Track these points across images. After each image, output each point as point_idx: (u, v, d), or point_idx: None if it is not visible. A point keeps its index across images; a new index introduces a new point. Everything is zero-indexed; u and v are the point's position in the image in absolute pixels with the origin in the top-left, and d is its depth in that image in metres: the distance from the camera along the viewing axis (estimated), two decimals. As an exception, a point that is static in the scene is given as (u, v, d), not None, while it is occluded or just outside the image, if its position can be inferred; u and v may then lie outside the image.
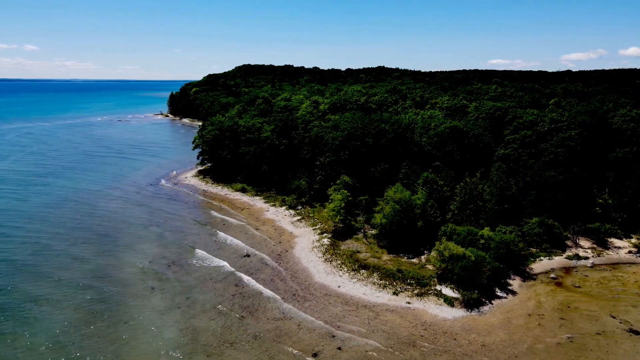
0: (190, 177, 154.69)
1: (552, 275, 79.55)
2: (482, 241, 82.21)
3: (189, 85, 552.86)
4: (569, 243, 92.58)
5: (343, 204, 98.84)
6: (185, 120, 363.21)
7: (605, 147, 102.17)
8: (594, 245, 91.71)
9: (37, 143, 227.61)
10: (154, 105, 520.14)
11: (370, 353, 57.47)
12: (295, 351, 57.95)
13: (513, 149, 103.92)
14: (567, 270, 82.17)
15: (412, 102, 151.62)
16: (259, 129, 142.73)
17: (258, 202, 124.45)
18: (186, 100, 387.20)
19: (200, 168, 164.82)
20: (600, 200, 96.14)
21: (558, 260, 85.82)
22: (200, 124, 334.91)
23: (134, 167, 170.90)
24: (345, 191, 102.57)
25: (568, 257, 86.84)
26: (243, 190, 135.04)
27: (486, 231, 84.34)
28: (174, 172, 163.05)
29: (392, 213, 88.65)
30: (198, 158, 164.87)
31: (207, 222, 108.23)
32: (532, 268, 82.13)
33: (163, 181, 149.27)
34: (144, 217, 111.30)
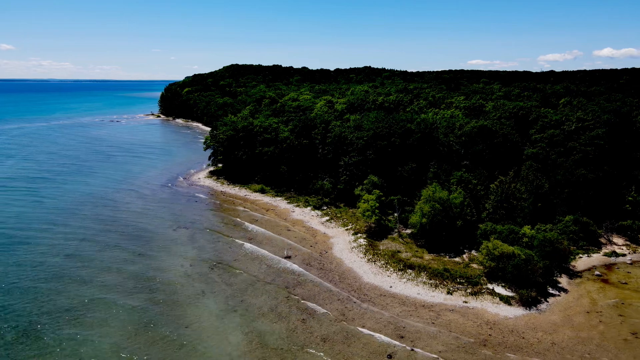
0: (203, 178, 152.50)
1: (596, 272, 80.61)
2: (525, 239, 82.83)
3: (174, 86, 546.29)
4: (602, 240, 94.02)
5: (377, 204, 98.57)
6: (179, 120, 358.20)
7: (631, 145, 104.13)
8: (628, 242, 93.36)
9: (33, 145, 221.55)
10: (142, 106, 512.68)
11: (444, 353, 57.25)
12: (368, 353, 57.38)
13: (541, 147, 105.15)
14: (609, 267, 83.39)
15: (426, 102, 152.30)
16: (275, 129, 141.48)
17: (281, 203, 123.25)
18: (178, 100, 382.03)
19: (211, 169, 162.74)
20: (630, 198, 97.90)
21: (597, 258, 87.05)
22: (196, 124, 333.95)
23: (141, 169, 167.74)
24: (378, 191, 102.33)
25: (606, 254, 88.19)
26: (262, 191, 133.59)
27: (527, 229, 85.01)
28: (185, 173, 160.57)
29: (433, 212, 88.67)
30: (210, 159, 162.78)
31: (235, 224, 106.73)
32: (574, 265, 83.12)
33: (177, 182, 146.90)
34: (169, 219, 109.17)
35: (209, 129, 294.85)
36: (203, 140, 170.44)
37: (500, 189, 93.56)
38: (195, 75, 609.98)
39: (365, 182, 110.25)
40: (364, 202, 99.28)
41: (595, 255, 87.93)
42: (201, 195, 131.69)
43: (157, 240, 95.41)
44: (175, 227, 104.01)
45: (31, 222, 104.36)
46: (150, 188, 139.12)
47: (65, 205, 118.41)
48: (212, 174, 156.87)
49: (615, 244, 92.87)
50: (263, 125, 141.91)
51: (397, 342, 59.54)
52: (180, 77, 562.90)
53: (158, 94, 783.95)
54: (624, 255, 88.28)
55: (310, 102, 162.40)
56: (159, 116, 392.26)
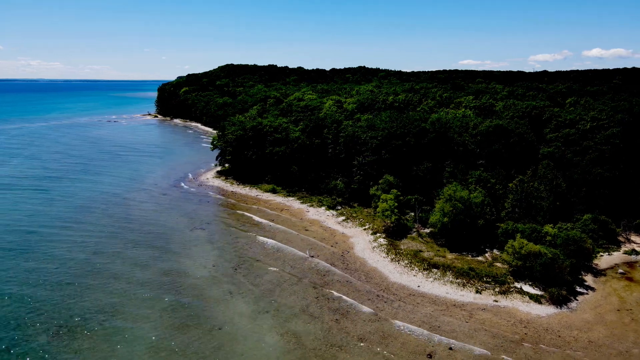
0: (211, 178, 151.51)
1: (620, 270, 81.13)
2: (548, 238, 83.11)
3: (167, 85, 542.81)
4: (620, 239, 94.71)
5: (396, 204, 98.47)
6: (177, 120, 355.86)
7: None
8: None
9: (33, 145, 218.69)
10: (137, 106, 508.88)
11: (484, 352, 57.20)
12: (408, 352, 57.17)
13: (557, 147, 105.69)
14: (631, 265, 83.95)
15: (434, 101, 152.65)
16: (285, 129, 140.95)
17: (294, 203, 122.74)
18: (176, 100, 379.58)
19: (218, 169, 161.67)
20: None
21: (618, 256, 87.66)
22: (195, 124, 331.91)
23: (148, 169, 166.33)
24: (396, 190, 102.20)
25: (626, 252, 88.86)
26: (273, 191, 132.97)
27: (550, 228, 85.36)
28: (193, 173, 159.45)
29: (454, 211, 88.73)
30: (217, 159, 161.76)
31: (251, 223, 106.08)
32: (597, 264, 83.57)
33: (185, 182, 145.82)
34: (183, 220, 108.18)
35: (208, 129, 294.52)
36: (210, 141, 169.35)
37: (520, 188, 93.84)
38: (189, 75, 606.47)
39: (380, 181, 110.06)
40: (382, 202, 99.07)
41: (615, 254, 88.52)
42: (212, 195, 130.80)
43: (176, 241, 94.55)
44: (191, 227, 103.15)
45: (47, 221, 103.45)
46: (160, 188, 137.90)
47: (78, 204, 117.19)
48: (219, 174, 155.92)
49: (634, 242, 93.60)
50: (273, 125, 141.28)
51: (434, 342, 59.38)
52: (172, 77, 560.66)
53: (151, 94, 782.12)
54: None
55: (317, 102, 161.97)
56: (156, 116, 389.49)
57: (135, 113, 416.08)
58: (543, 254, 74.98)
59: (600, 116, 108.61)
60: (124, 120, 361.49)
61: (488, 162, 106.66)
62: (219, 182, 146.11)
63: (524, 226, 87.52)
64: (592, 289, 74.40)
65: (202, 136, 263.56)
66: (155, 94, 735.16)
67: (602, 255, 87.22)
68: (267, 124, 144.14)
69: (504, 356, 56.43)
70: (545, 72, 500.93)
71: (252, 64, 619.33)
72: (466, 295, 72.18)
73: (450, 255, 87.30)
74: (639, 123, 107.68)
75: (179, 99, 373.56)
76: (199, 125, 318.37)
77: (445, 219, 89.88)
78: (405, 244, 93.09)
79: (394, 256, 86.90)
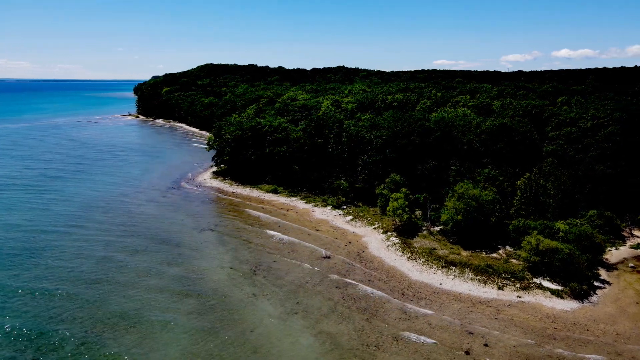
0: (209, 179, 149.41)
1: (630, 264, 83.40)
2: (561, 234, 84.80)
3: (144, 85, 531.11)
4: (624, 234, 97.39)
5: (407, 202, 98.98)
6: (160, 121, 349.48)
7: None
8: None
9: (15, 146, 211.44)
10: (115, 106, 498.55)
11: (518, 348, 57.95)
12: (445, 350, 57.45)
13: (559, 144, 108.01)
14: (639, 259, 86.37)
15: (431, 101, 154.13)
16: (285, 128, 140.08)
17: (298, 203, 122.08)
18: (158, 100, 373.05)
19: (214, 169, 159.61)
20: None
21: (625, 250, 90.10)
22: (179, 124, 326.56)
23: (141, 171, 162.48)
24: (405, 189, 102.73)
25: (632, 247, 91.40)
26: (275, 191, 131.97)
27: (561, 224, 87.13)
28: (188, 174, 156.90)
29: (468, 209, 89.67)
30: (214, 159, 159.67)
31: (259, 224, 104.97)
32: (607, 258, 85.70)
33: (183, 184, 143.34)
34: (189, 222, 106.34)
35: (194, 129, 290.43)
36: (200, 141, 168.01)
37: (529, 185, 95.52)
38: (166, 74, 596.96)
39: (387, 180, 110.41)
40: (393, 201, 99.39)
41: (622, 248, 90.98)
42: (213, 196, 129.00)
43: (187, 242, 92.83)
44: (199, 228, 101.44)
45: (46, 226, 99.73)
46: (158, 190, 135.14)
47: (76, 209, 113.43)
48: (216, 174, 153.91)
49: (637, 237, 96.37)
50: (273, 125, 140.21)
51: (468, 339, 59.85)
52: (146, 77, 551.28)
53: (127, 94, 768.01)
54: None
55: (314, 102, 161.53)
56: (138, 116, 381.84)
57: (115, 113, 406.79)
58: (560, 250, 76.51)
59: (599, 114, 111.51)
60: (106, 120, 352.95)
61: (493, 160, 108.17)
62: (218, 183, 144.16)
63: (535, 223, 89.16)
64: (608, 283, 76.25)
65: (189, 137, 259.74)
66: (131, 94, 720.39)
67: (609, 250, 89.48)
68: (266, 124, 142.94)
69: (539, 351, 57.24)
70: (520, 72, 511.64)
71: (232, 63, 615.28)
72: (489, 292, 73.03)
73: (464, 253, 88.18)
74: (636, 121, 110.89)
75: (161, 99, 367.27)
76: (183, 125, 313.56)
77: (459, 217, 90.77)
78: (418, 242, 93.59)
79: (409, 254, 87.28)
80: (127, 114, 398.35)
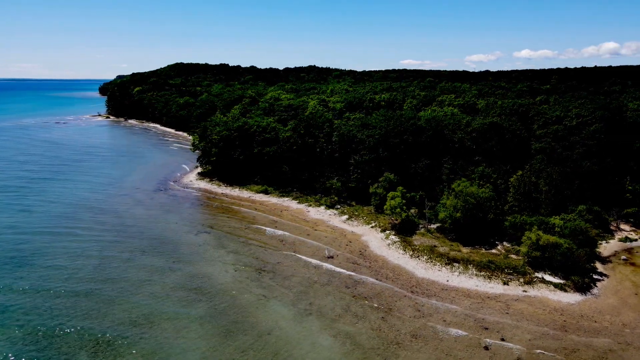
0: (195, 180, 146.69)
1: (623, 257, 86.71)
2: (557, 229, 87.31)
3: (109, 85, 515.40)
4: (611, 227, 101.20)
5: (404, 201, 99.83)
6: (132, 121, 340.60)
7: (624, 138, 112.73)
8: (634, 228, 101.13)
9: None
10: (82, 106, 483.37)
11: (534, 341, 59.25)
12: (464, 346, 58.19)
13: (547, 142, 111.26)
14: (629, 251, 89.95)
15: (417, 100, 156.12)
16: (274, 128, 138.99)
17: (291, 204, 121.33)
18: (130, 100, 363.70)
19: (199, 170, 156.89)
20: (629, 187, 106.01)
21: (615, 244, 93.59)
22: (153, 125, 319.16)
23: (121, 173, 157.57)
24: (402, 187, 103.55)
25: (620, 240, 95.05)
26: (265, 192, 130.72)
27: (556, 220, 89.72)
28: (173, 175, 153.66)
29: (466, 207, 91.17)
30: (198, 160, 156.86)
31: (257, 225, 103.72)
32: (599, 252, 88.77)
33: (169, 186, 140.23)
34: (183, 225, 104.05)
35: (170, 129, 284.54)
36: (178, 142, 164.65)
37: (522, 182, 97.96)
38: (134, 74, 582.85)
39: (381, 179, 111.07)
40: (391, 199, 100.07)
41: (612, 242, 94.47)
42: (203, 199, 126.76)
43: (184, 247, 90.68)
44: (195, 231, 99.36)
45: (31, 232, 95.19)
46: (144, 192, 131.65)
47: (60, 214, 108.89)
48: (202, 175, 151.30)
49: (624, 230, 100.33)
50: (261, 125, 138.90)
51: (484, 334, 60.81)
52: (109, 76, 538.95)
53: (92, 94, 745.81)
54: (635, 240, 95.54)
55: (300, 102, 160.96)
56: (108, 117, 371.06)
57: (84, 114, 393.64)
58: (560, 245, 78.76)
59: (583, 113, 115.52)
60: (77, 121, 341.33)
61: (485, 158, 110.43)
62: (205, 184, 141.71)
63: (530, 219, 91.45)
64: (606, 275, 79.02)
65: (166, 137, 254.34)
66: (97, 94, 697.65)
67: (600, 244, 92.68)
68: (254, 124, 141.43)
69: (554, 344, 58.70)
70: (488, 71, 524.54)
71: (203, 62, 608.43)
72: (495, 287, 74.44)
73: (464, 250, 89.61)
74: (618, 119, 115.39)
75: (134, 99, 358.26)
76: (157, 126, 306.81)
77: (458, 214, 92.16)
78: (418, 240, 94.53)
79: (412, 252, 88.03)
80: (97, 114, 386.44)
